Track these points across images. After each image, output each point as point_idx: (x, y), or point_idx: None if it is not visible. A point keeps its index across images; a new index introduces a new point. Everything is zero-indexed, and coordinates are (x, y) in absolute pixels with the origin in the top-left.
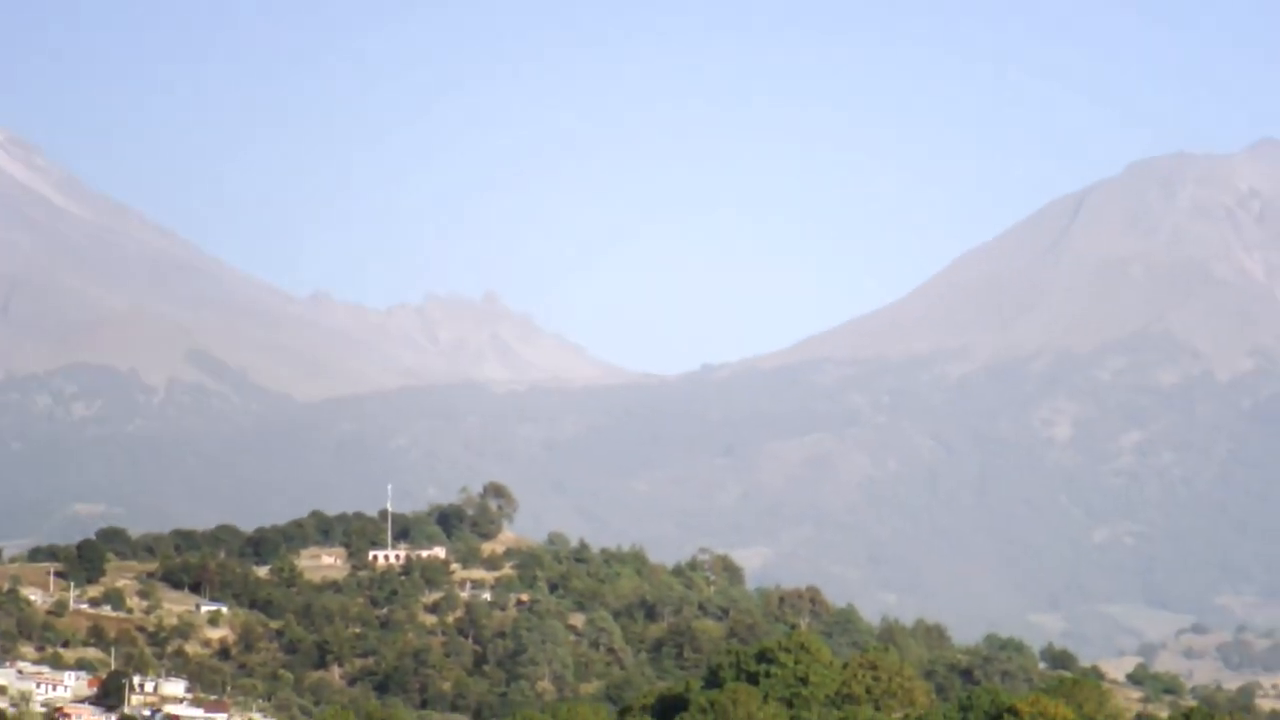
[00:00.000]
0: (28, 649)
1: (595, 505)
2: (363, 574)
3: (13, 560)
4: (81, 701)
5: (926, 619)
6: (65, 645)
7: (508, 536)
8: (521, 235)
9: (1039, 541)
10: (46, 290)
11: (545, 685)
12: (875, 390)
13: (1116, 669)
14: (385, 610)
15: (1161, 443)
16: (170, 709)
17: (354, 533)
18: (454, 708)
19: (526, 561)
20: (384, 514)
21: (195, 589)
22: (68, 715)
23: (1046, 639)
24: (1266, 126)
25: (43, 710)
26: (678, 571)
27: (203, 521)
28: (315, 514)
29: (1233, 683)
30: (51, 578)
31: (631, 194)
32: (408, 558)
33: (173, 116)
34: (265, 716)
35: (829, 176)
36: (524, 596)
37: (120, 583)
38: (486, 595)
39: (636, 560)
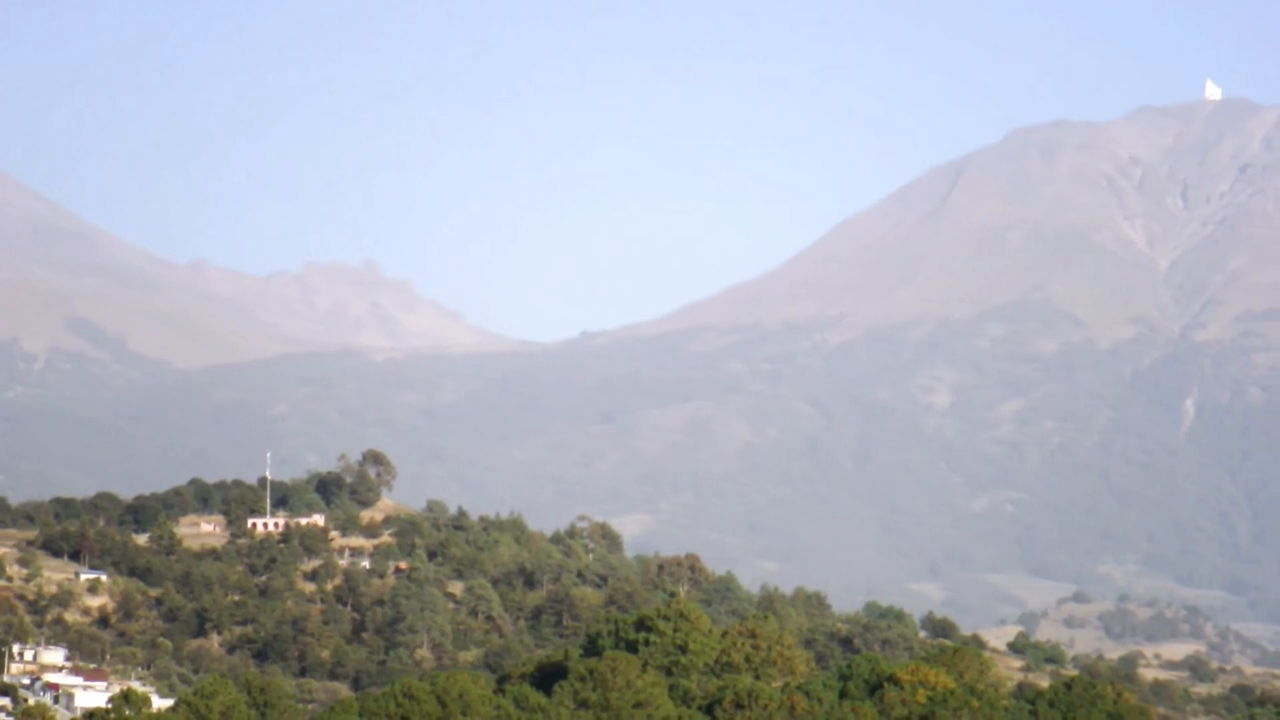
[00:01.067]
0: None
1: (474, 473)
2: (241, 541)
3: None
4: None
5: (806, 587)
6: None
7: (386, 504)
8: (401, 202)
9: (919, 510)
10: None
11: (424, 653)
12: (754, 358)
13: (997, 638)
14: (264, 578)
15: (1042, 411)
16: (50, 677)
17: (233, 500)
18: (333, 675)
19: (405, 529)
20: (263, 481)
21: (75, 557)
22: None
23: (927, 607)
24: (1146, 94)
25: None
26: (556, 539)
27: (82, 489)
28: (194, 481)
29: (1114, 652)
30: None
31: (510, 161)
32: (286, 525)
33: (50, 82)
34: (144, 685)
35: (707, 143)
36: (403, 564)
37: (0, 551)
38: (365, 563)
39: (515, 528)
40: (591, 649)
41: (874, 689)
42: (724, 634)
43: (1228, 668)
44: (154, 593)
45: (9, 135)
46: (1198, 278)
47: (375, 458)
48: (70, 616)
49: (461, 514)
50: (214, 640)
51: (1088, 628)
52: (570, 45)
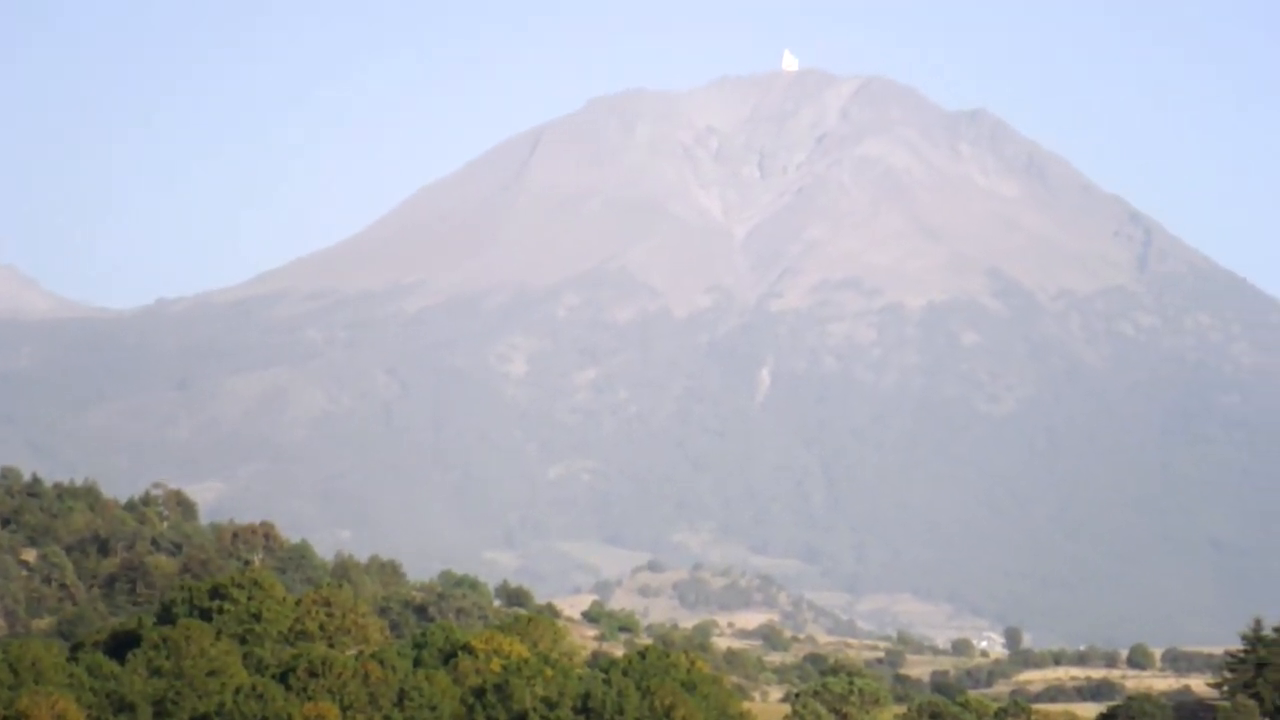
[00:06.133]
0: None
1: (48, 439)
2: None
3: None
4: None
5: (381, 555)
6: None
7: None
8: None
9: (495, 477)
10: None
11: None
12: (331, 325)
13: (572, 606)
14: None
15: (618, 379)
16: None
17: None
18: None
19: None
20: None
21: None
22: None
23: (502, 576)
24: (724, 64)
25: None
26: (131, 506)
27: None
28: None
29: (689, 621)
30: None
31: (83, 128)
32: None
33: None
34: None
35: (282, 108)
36: None
37: None
38: None
39: (89, 495)
40: (165, 617)
41: (448, 657)
42: (298, 602)
43: (801, 636)
44: None
45: None
46: (774, 247)
47: None
48: None
49: (35, 481)
50: None
51: (662, 596)
52: (157, 18)
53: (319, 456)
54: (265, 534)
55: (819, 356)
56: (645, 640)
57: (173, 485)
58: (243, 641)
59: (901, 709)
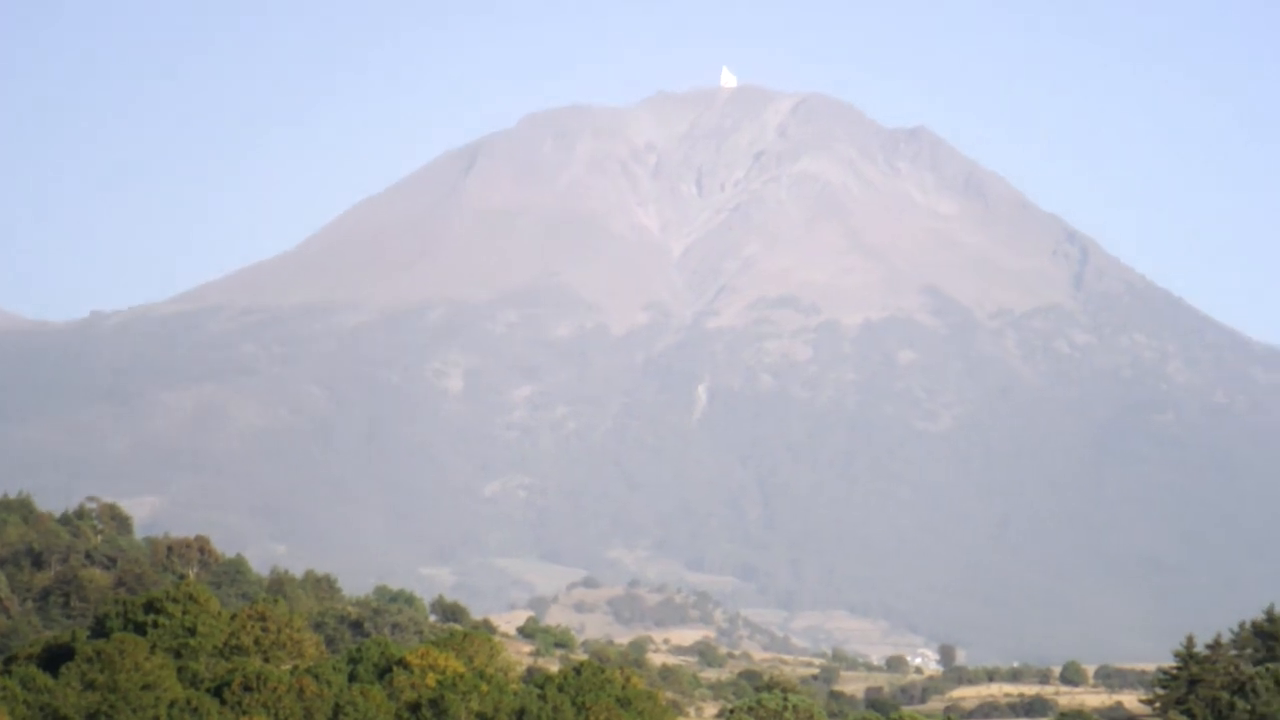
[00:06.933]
0: None
1: None
2: None
3: None
4: None
5: (316, 570)
6: None
7: None
8: None
9: (431, 493)
10: None
11: None
12: (267, 340)
13: (508, 622)
14: None
15: (555, 395)
16: None
17: None
18: None
19: None
20: None
21: None
22: None
23: (438, 591)
24: (662, 80)
25: None
26: (65, 520)
27: None
28: None
29: (624, 637)
30: None
31: (18, 138)
32: None
33: None
34: None
35: (219, 123)
36: None
37: None
38: None
39: (23, 508)
40: (99, 631)
41: (383, 672)
42: (233, 616)
43: (736, 653)
44: None
45: None
46: (711, 264)
47: None
48: None
49: None
50: None
51: (598, 612)
52: (92, 30)
53: (254, 471)
54: (200, 548)
55: (755, 374)
56: (580, 656)
57: (107, 499)
58: (177, 656)
59: None
